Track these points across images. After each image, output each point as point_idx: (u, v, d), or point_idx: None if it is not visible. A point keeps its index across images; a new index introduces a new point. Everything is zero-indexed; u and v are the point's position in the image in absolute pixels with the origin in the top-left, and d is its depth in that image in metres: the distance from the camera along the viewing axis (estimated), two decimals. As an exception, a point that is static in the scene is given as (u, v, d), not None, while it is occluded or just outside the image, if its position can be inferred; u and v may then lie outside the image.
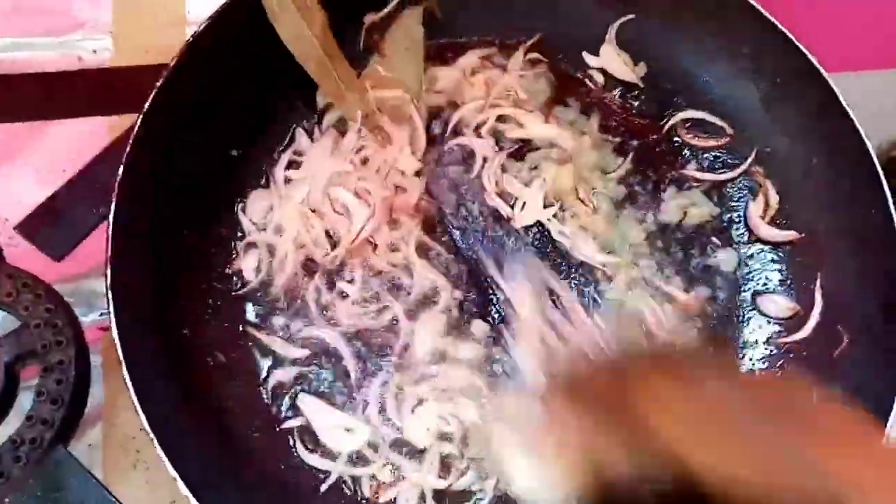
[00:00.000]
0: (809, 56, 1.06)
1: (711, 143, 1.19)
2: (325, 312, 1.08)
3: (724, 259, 1.14)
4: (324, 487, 1.01)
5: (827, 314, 1.07)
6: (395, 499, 1.01)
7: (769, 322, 1.12)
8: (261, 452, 1.01)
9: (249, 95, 1.10)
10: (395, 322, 1.07)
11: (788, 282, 1.13)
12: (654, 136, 1.20)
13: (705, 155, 1.19)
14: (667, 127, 1.20)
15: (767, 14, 1.08)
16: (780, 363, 1.09)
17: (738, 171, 1.18)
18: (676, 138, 1.20)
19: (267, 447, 1.01)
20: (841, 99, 1.04)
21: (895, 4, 1.41)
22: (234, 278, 1.08)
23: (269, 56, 1.08)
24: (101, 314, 1.10)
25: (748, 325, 1.12)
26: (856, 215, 1.05)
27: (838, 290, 1.07)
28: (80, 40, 1.31)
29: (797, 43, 1.06)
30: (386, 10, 1.17)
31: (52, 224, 1.02)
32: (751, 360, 1.10)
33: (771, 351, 1.10)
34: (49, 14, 1.32)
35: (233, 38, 1.04)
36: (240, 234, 1.10)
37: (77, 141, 1.20)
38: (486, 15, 1.21)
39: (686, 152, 1.20)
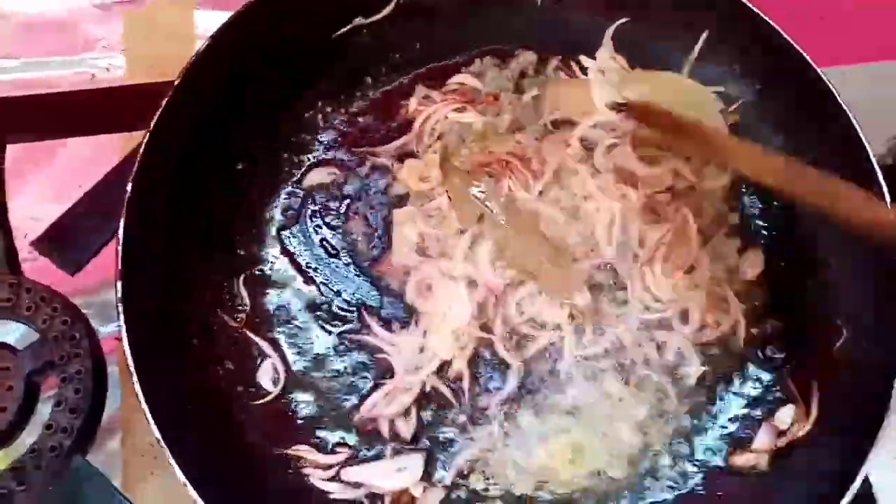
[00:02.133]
0: (802, 52, 1.06)
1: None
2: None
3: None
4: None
5: (826, 309, 1.07)
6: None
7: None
8: (271, 463, 1.02)
9: (254, 109, 1.13)
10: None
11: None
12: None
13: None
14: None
15: (759, 12, 1.09)
16: (781, 357, 1.10)
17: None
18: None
19: (277, 459, 1.02)
20: (836, 94, 1.04)
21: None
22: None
23: (272, 70, 1.12)
24: (118, 325, 1.13)
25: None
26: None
27: (836, 284, 1.07)
28: (93, 58, 1.34)
29: (790, 39, 1.07)
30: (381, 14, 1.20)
31: (66, 240, 1.05)
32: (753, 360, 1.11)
33: (773, 348, 1.11)
34: (62, 33, 1.36)
35: (236, 54, 1.07)
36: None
37: (92, 157, 1.23)
38: (480, 27, 1.24)
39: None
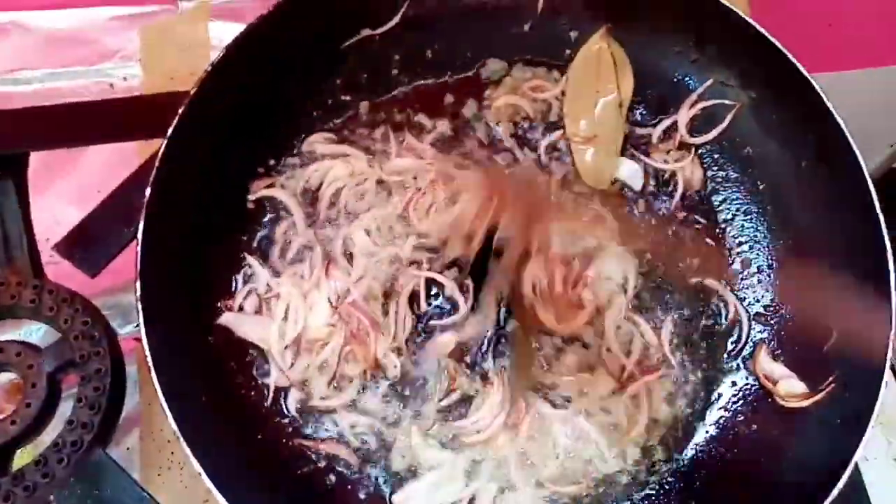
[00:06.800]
0: (793, 60, 1.08)
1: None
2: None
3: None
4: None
5: (817, 310, 1.09)
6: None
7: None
8: (284, 454, 1.07)
9: (267, 116, 1.16)
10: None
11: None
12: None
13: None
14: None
15: (750, 20, 1.10)
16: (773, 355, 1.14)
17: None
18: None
19: (290, 452, 1.07)
20: (826, 101, 1.06)
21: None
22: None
23: (285, 80, 1.15)
24: (137, 326, 1.16)
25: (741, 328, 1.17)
26: (844, 215, 1.08)
27: (827, 286, 1.09)
28: (111, 68, 1.39)
29: (781, 48, 1.08)
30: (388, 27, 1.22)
31: (86, 243, 1.08)
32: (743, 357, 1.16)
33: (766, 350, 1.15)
34: (82, 45, 1.40)
35: (250, 64, 1.10)
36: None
37: (110, 164, 1.28)
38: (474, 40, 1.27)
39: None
